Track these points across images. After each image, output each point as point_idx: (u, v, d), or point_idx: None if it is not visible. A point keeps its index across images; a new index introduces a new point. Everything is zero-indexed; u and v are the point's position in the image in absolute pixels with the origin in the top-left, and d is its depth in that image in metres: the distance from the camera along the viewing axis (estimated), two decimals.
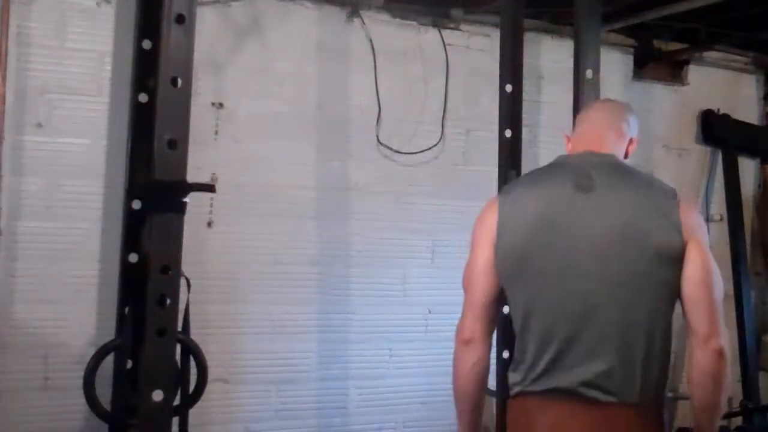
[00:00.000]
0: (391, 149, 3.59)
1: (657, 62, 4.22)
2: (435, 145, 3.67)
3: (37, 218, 2.97)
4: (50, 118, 2.99)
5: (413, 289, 3.63)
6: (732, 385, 3.97)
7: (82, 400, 2.75)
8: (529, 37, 3.64)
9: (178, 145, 2.49)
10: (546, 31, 3.91)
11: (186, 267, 2.59)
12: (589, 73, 3.05)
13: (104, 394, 2.79)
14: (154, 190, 2.56)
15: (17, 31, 2.92)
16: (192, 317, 2.81)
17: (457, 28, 3.73)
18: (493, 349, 2.06)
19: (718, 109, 4.31)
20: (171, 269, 2.49)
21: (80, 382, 2.73)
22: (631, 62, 4.16)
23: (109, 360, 2.82)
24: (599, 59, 3.09)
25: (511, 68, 3.24)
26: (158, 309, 2.47)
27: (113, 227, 2.99)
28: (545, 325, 1.86)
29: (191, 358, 2.79)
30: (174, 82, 2.50)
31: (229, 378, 3.26)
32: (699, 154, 4.36)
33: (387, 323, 3.57)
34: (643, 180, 1.94)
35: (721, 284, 1.85)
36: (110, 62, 3.07)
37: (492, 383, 3.23)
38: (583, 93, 3.05)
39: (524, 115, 3.32)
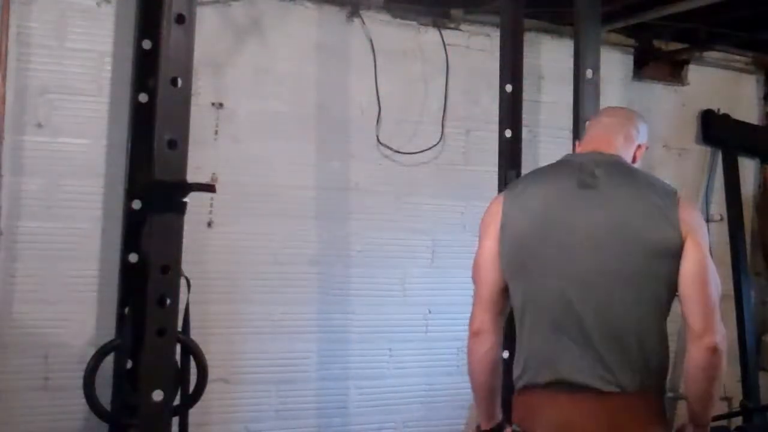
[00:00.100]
0: (391, 149, 3.59)
1: (657, 62, 4.22)
2: (435, 145, 3.67)
3: (37, 218, 2.97)
4: (50, 118, 2.99)
5: (413, 289, 3.63)
6: (732, 385, 4.01)
7: (82, 400, 2.75)
8: (529, 37, 3.64)
9: (178, 145, 2.49)
10: (546, 31, 3.90)
11: (186, 267, 2.59)
12: (589, 73, 3.05)
13: (104, 394, 2.80)
14: (154, 190, 2.56)
15: (17, 31, 2.92)
16: (192, 317, 2.81)
17: (457, 28, 3.73)
18: None
19: (718, 109, 4.31)
20: (171, 269, 2.49)
21: (80, 382, 2.73)
22: (631, 62, 4.16)
23: (109, 360, 2.82)
24: (599, 59, 3.09)
25: (511, 68, 3.24)
26: (158, 309, 2.47)
27: (113, 227, 3.00)
28: (544, 316, 1.90)
29: (191, 358, 2.79)
30: (174, 82, 2.50)
31: (229, 378, 3.26)
32: (699, 154, 4.36)
33: (387, 323, 3.57)
34: (645, 180, 1.97)
35: (717, 282, 1.88)
36: (110, 62, 3.07)
37: None
38: (583, 93, 3.05)
39: (524, 115, 3.32)
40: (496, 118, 3.28)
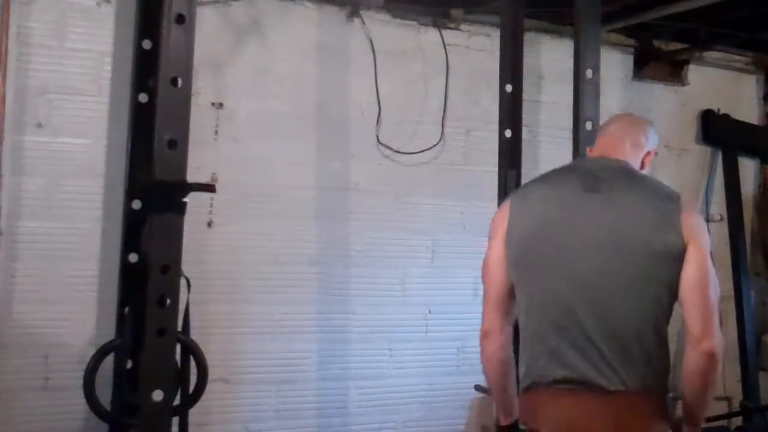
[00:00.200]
0: (391, 149, 3.59)
1: (657, 62, 4.22)
2: (435, 145, 3.67)
3: (37, 218, 2.97)
4: (50, 118, 2.99)
5: (413, 289, 3.63)
6: (732, 385, 4.01)
7: (82, 400, 2.75)
8: (529, 37, 3.64)
9: (178, 145, 2.49)
10: (546, 31, 3.91)
11: (186, 267, 2.59)
12: (589, 73, 3.05)
13: (104, 394, 2.79)
14: (154, 190, 2.56)
15: (17, 31, 2.92)
16: (192, 317, 2.81)
17: (457, 28, 3.73)
18: None
19: (718, 109, 4.31)
20: (171, 269, 2.49)
21: (80, 382, 2.73)
22: (631, 62, 4.16)
23: (109, 360, 2.82)
24: (599, 59, 3.09)
25: (511, 68, 3.24)
26: (158, 309, 2.47)
27: (113, 227, 3.00)
28: (546, 316, 1.92)
29: (191, 358, 2.79)
30: (174, 82, 2.50)
31: (229, 378, 3.26)
32: (699, 154, 4.36)
33: (387, 323, 3.57)
34: (649, 185, 2.00)
35: (717, 287, 1.91)
36: (110, 62, 3.07)
37: None
38: (583, 93, 3.05)
39: (524, 115, 3.33)
40: (496, 118, 3.28)
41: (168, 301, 2.48)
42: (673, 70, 4.28)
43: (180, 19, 2.49)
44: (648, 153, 2.14)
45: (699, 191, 4.32)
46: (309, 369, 3.43)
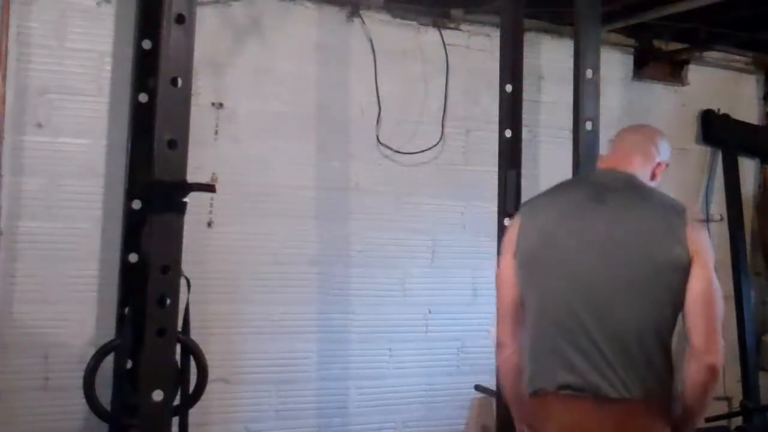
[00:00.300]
0: (391, 149, 3.59)
1: (657, 62, 4.22)
2: (435, 145, 3.67)
3: (37, 218, 2.97)
4: (50, 118, 2.99)
5: (413, 289, 3.63)
6: (732, 385, 4.01)
7: (82, 400, 2.75)
8: (529, 37, 3.64)
9: (178, 145, 2.48)
10: (546, 31, 3.91)
11: (186, 267, 2.58)
12: (589, 73, 3.05)
13: (104, 394, 2.79)
14: (154, 190, 2.56)
15: (17, 31, 2.92)
16: (192, 317, 2.81)
17: (457, 28, 3.73)
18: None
19: (718, 109, 4.31)
20: (171, 269, 2.48)
21: (80, 382, 2.73)
22: (631, 62, 4.16)
23: (109, 360, 2.82)
24: (599, 59, 3.09)
25: (511, 68, 3.24)
26: (158, 309, 2.47)
27: (113, 227, 2.99)
28: (551, 322, 1.94)
29: (191, 358, 2.79)
30: (174, 82, 2.49)
31: (229, 378, 3.26)
32: (699, 154, 4.36)
33: (387, 323, 3.57)
34: (655, 197, 2.02)
35: (721, 301, 1.92)
36: (110, 62, 3.07)
37: (492, 383, 3.24)
38: (583, 93, 3.05)
39: (524, 115, 3.32)
40: (496, 118, 3.28)
41: (168, 301, 2.47)
42: (673, 70, 4.28)
43: (180, 19, 2.49)
44: (659, 164, 2.17)
45: (699, 191, 4.32)
46: (309, 369, 3.43)
